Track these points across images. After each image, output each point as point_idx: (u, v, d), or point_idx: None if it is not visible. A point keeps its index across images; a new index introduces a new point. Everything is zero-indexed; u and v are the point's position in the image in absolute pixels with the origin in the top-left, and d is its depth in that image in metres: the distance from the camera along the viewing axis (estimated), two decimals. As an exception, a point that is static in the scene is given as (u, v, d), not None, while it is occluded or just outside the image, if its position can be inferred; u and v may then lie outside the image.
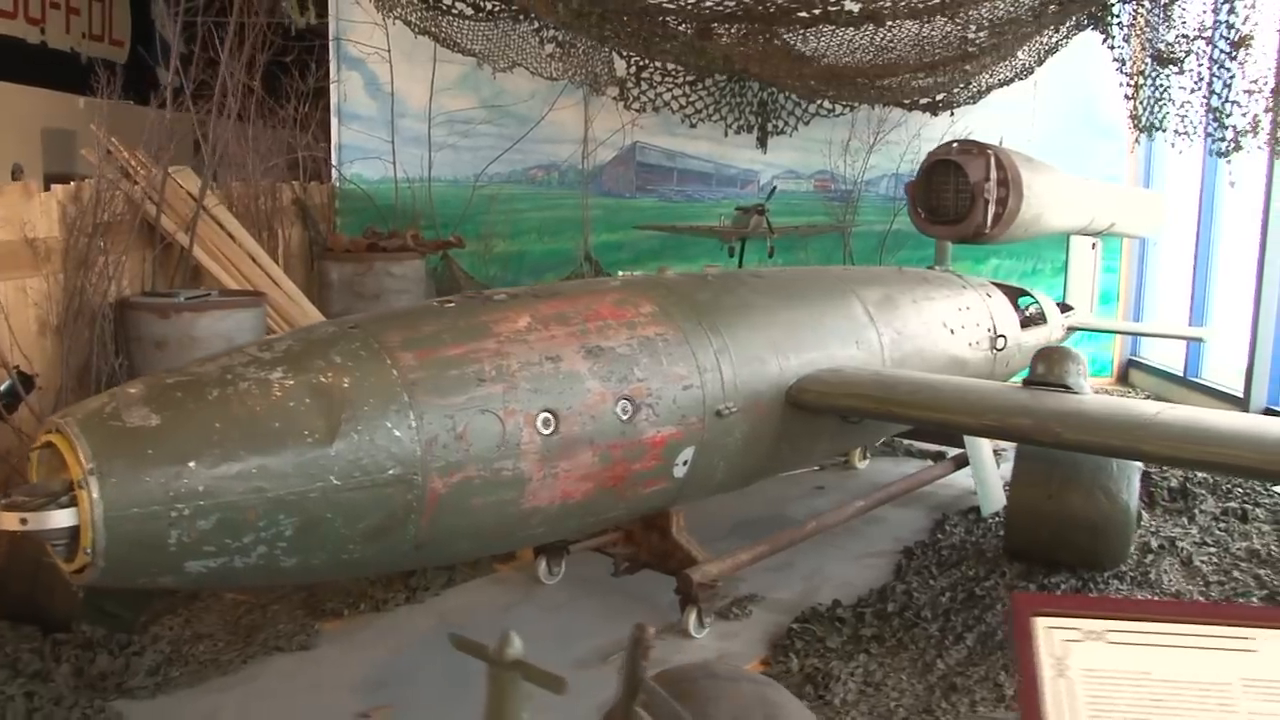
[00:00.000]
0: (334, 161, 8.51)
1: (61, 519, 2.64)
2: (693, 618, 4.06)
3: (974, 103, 8.27)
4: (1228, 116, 6.63)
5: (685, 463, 3.86)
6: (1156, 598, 4.54)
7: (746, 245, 7.89)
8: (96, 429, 2.75)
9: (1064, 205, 6.85)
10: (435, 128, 8.52)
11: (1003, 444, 5.84)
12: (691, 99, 8.20)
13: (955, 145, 6.13)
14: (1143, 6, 7.36)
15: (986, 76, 8.14)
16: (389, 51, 8.34)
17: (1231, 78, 6.58)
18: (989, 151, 6.00)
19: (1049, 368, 4.29)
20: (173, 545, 2.77)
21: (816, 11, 4.85)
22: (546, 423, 3.37)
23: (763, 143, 8.45)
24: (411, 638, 4.14)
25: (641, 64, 7.94)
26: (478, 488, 3.23)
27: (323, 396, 3.02)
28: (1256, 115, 6.42)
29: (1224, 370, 8.13)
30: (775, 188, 8.27)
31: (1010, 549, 4.90)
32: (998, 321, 5.89)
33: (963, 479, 5.95)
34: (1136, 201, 8.31)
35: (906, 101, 8.25)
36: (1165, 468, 5.83)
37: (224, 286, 5.99)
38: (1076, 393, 4.17)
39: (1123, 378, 9.21)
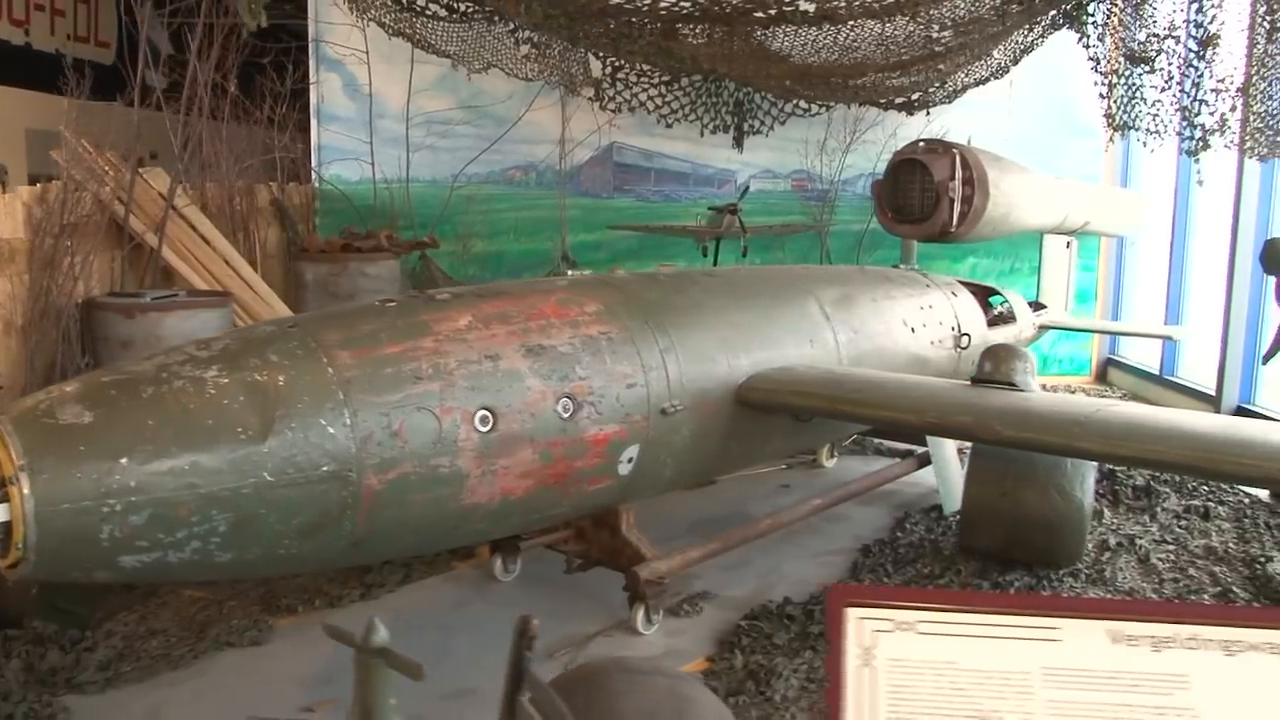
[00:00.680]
0: (314, 162, 8.56)
1: (-7, 514, 2.69)
2: (640, 614, 4.10)
3: (949, 102, 8.31)
4: (1196, 115, 6.67)
5: (630, 460, 3.90)
6: (1112, 594, 4.57)
7: (721, 245, 7.92)
8: (29, 426, 2.80)
9: (1034, 204, 6.88)
10: (414, 129, 8.58)
11: (967, 443, 5.87)
12: (667, 99, 8.24)
13: (921, 144, 6.16)
14: (1116, 5, 7.39)
15: (962, 76, 8.17)
16: (367, 53, 8.38)
17: (1200, 76, 6.62)
18: (954, 150, 6.04)
19: (995, 366, 4.32)
20: (105, 540, 2.82)
21: (772, 12, 4.89)
22: (484, 420, 3.41)
23: (739, 142, 8.49)
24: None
25: (617, 65, 7.98)
26: (414, 484, 3.27)
27: (257, 394, 3.06)
28: (1223, 114, 6.45)
29: (1200, 368, 8.15)
30: (748, 187, 8.31)
31: (966, 547, 4.92)
32: (962, 320, 5.92)
33: (930, 477, 5.98)
34: (1113, 200, 8.34)
35: (882, 101, 8.29)
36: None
37: (194, 287, 6.03)
38: (1022, 390, 4.20)
39: (1101, 376, 9.23)
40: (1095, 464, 4.75)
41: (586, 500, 3.90)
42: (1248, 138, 6.42)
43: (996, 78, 8.20)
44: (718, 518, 5.50)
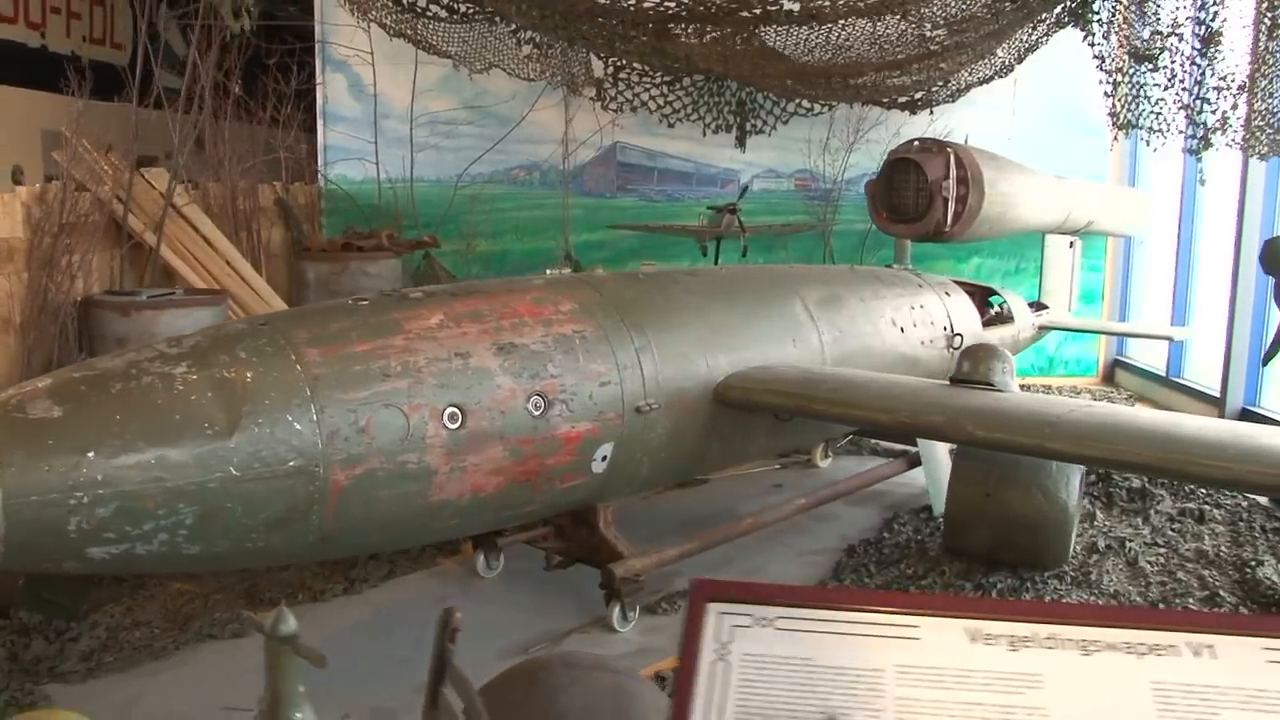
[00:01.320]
0: (320, 162, 8.65)
1: (-37, 507, 2.75)
2: (616, 612, 4.12)
3: (953, 101, 8.28)
4: (1199, 114, 6.61)
5: (604, 458, 3.92)
6: (1091, 600, 4.55)
7: (722, 245, 7.93)
8: (-1, 421, 2.86)
9: (1033, 203, 6.85)
10: (418, 129, 8.64)
11: (959, 443, 5.85)
12: (669, 99, 8.25)
13: (916, 144, 6.14)
14: (1121, 2, 7.34)
15: (965, 75, 8.13)
16: (371, 54, 8.46)
17: (1202, 74, 6.56)
18: (948, 150, 6.01)
19: (973, 366, 4.31)
20: (73, 531, 2.87)
21: (757, 11, 4.89)
22: (453, 417, 3.44)
23: (741, 142, 8.49)
24: (344, 628, 4.23)
25: (619, 64, 8.00)
26: (382, 480, 3.31)
27: (224, 390, 3.11)
28: (1225, 112, 6.39)
29: (1207, 370, 8.07)
30: (747, 187, 8.31)
31: (950, 548, 4.91)
32: (955, 320, 5.90)
33: (922, 478, 5.96)
34: (1119, 200, 8.27)
35: (885, 100, 8.26)
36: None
37: (193, 286, 6.12)
38: (1000, 390, 4.19)
39: (1109, 378, 9.16)
40: (1082, 465, 4.71)
41: (561, 497, 3.93)
42: (1250, 136, 6.37)
43: (1000, 76, 8.16)
44: (707, 516, 5.50)
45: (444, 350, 3.51)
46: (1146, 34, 7.11)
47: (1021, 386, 8.58)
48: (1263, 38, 6.16)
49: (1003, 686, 1.16)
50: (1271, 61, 6.06)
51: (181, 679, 3.78)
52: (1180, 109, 6.78)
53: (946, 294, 5.98)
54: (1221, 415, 7.13)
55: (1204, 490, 5.93)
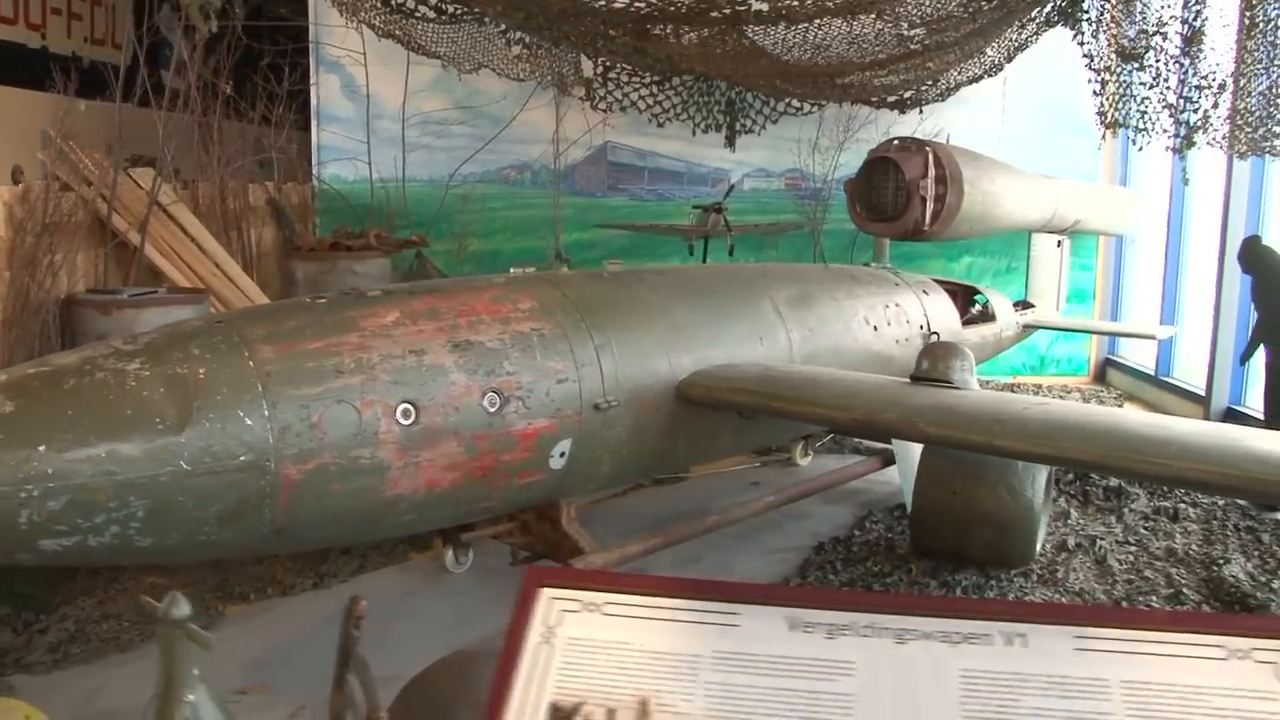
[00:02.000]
0: (314, 162, 8.73)
1: (-87, 499, 2.82)
2: (576, 606, 4.16)
3: (942, 100, 8.28)
4: (1181, 112, 6.61)
5: (563, 455, 3.96)
6: (1064, 597, 4.56)
7: (710, 244, 7.96)
8: (-49, 416, 2.93)
9: (1017, 202, 6.84)
10: (410, 129, 8.72)
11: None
12: (659, 99, 8.30)
13: (895, 143, 6.16)
14: (1110, 1, 7.33)
15: (954, 74, 8.14)
16: (364, 54, 8.53)
17: (1186, 73, 6.56)
18: (927, 149, 6.02)
19: (933, 364, 4.33)
20: (24, 524, 2.94)
21: (726, 12, 4.92)
22: (406, 413, 3.49)
23: (731, 141, 8.52)
24: (310, 622, 4.30)
25: (608, 64, 8.05)
26: (334, 474, 3.36)
27: (176, 386, 3.17)
28: (1206, 111, 6.39)
29: (1196, 369, 8.04)
30: (733, 186, 8.34)
31: (917, 546, 4.94)
32: (933, 318, 5.92)
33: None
34: (1107, 199, 8.25)
35: (874, 99, 8.27)
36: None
37: (178, 284, 6.20)
38: (958, 388, 4.21)
39: (1100, 377, 9.14)
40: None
41: (520, 493, 3.97)
42: (1231, 134, 6.36)
43: (990, 75, 8.15)
44: (684, 513, 5.54)
45: (398, 347, 3.56)
46: (1133, 33, 7.11)
47: (1011, 386, 8.66)
48: (1243, 37, 6.16)
49: (814, 673, 1.20)
50: (1251, 60, 6.06)
51: (146, 670, 3.78)
52: (1164, 108, 6.78)
53: (924, 292, 5.99)
54: (1206, 414, 7.12)
55: (1180, 489, 5.93)
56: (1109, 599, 4.58)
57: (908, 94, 8.17)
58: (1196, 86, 6.49)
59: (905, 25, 5.68)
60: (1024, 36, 7.82)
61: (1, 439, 2.92)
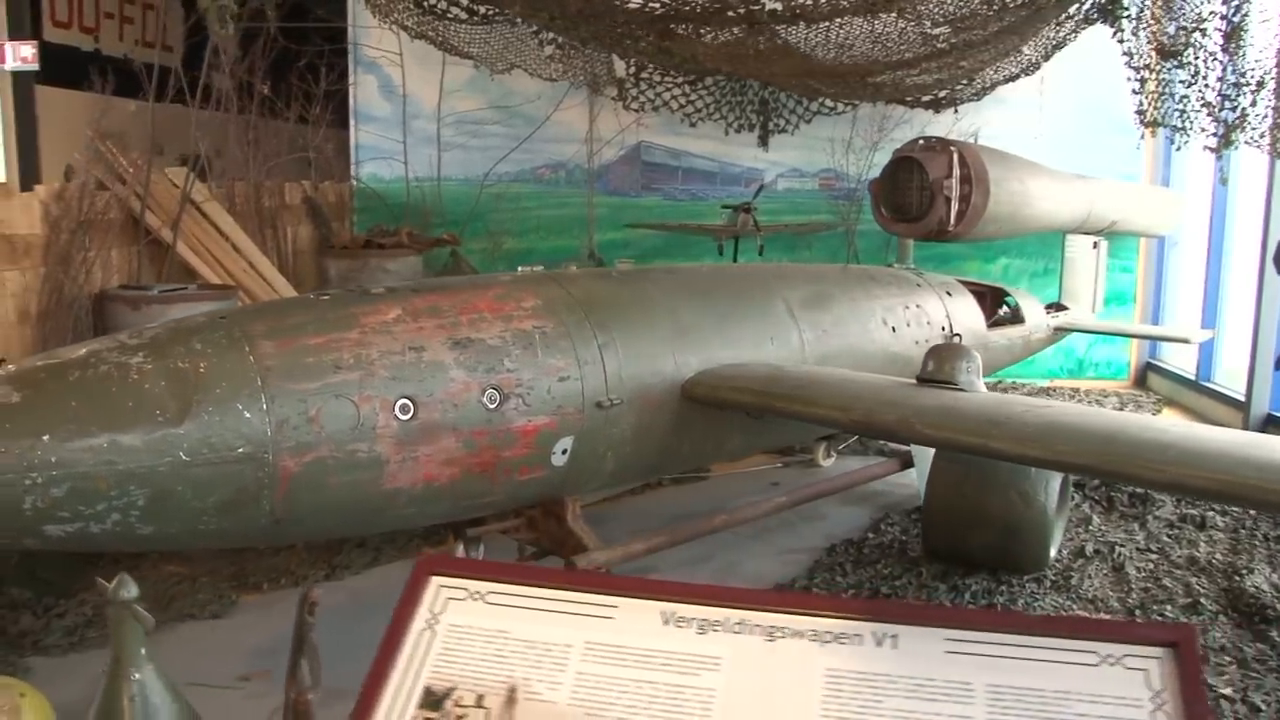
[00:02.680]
0: (352, 161, 8.88)
1: (-80, 485, 2.94)
2: (577, 602, 4.19)
3: (978, 99, 8.18)
4: (1219, 111, 6.47)
5: (565, 452, 3.99)
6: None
7: (740, 244, 7.95)
8: (-42, 406, 3.05)
9: (1049, 202, 6.72)
10: (445, 128, 8.82)
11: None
12: (691, 98, 8.30)
13: (919, 142, 6.08)
14: (1148, -2, 7.19)
15: (990, 73, 8.01)
16: (400, 55, 8.65)
17: (1225, 71, 6.42)
18: (951, 148, 5.94)
19: (938, 365, 4.29)
20: (28, 510, 3.05)
21: (741, 11, 4.91)
22: (405, 409, 3.55)
23: (764, 141, 8.50)
24: (320, 612, 4.37)
25: (640, 65, 8.07)
26: (332, 467, 3.43)
27: (176, 380, 3.26)
28: (1244, 109, 6.24)
29: (1238, 374, 7.84)
30: (763, 186, 8.31)
31: (929, 549, 4.89)
32: (956, 320, 5.85)
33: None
34: (1146, 199, 8.08)
35: (908, 99, 8.19)
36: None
37: (209, 281, 6.35)
38: (963, 390, 4.16)
39: (1140, 381, 8.95)
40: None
41: (521, 489, 4.01)
42: (1271, 133, 6.20)
43: (1027, 74, 8.01)
44: (701, 512, 5.54)
45: (398, 344, 3.62)
46: (1173, 29, 6.96)
47: (1047, 389, 8.51)
48: (1283, 33, 6.01)
49: (681, 667, 1.21)
50: (1291, 58, 5.91)
51: (157, 654, 3.95)
52: (1202, 106, 6.63)
53: (947, 294, 5.93)
54: (1246, 421, 6.94)
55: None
56: (1123, 607, 4.49)
57: (942, 93, 8.07)
58: (1235, 84, 6.34)
59: (928, 24, 5.62)
60: (1062, 34, 7.68)
61: (7, 428, 3.03)
